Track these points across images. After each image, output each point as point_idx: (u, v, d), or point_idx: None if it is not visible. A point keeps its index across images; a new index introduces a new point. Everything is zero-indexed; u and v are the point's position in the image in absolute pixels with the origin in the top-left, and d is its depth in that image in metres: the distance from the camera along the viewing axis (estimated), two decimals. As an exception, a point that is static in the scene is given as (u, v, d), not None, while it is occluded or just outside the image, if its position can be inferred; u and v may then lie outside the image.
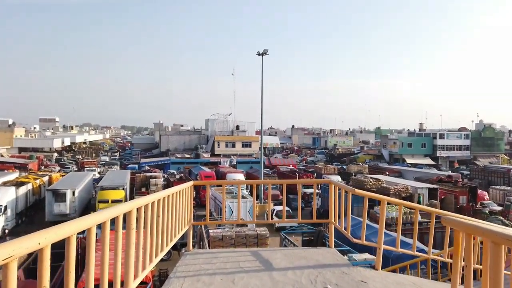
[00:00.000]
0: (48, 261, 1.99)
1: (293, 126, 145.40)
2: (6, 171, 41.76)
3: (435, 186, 32.79)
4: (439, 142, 73.65)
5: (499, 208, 30.99)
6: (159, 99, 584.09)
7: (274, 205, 26.20)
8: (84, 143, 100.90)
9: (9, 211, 26.16)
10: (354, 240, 5.51)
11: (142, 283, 4.33)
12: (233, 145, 74.77)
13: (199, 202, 29.33)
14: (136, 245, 3.47)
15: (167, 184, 35.60)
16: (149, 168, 51.41)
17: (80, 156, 77.21)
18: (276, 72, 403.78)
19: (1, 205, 25.29)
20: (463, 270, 3.44)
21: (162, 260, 4.73)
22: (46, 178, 36.12)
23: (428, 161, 70.67)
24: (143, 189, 35.91)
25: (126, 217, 3.31)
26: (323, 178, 35.92)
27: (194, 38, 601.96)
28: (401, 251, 5.80)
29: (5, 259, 1.67)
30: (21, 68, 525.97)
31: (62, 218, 24.47)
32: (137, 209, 3.54)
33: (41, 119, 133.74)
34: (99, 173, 51.53)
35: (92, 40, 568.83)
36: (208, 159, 63.01)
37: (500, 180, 46.07)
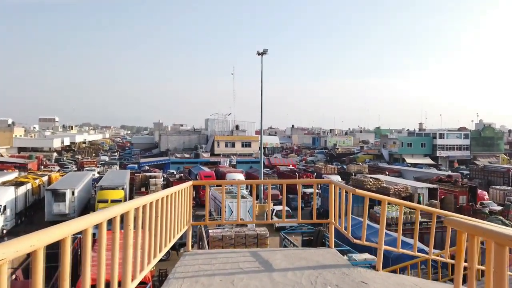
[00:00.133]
0: (42, 263, 1.94)
1: (292, 126, 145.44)
2: (5, 171, 41.71)
3: (435, 186, 32.79)
4: (438, 142, 73.65)
5: (499, 208, 30.97)
6: (159, 99, 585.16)
7: (274, 205, 26.17)
8: (84, 143, 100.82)
9: (8, 211, 26.14)
10: (355, 240, 5.47)
11: (141, 283, 4.28)
12: (233, 145, 74.77)
13: (198, 202, 29.32)
14: (133, 246, 3.43)
15: (167, 184, 35.59)
16: (148, 168, 51.39)
17: (79, 156, 77.17)
18: (276, 72, 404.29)
19: (1, 205, 25.26)
20: (464, 270, 3.40)
21: (161, 260, 4.69)
22: (45, 178, 36.08)
23: (428, 161, 70.68)
24: (143, 189, 35.89)
25: (123, 217, 3.26)
26: (323, 178, 35.94)
27: (194, 38, 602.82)
28: (402, 251, 5.76)
29: None
30: (21, 68, 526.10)
31: (62, 218, 24.43)
32: (135, 209, 3.50)
33: (40, 118, 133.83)
34: (98, 173, 51.50)
35: (92, 40, 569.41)
36: (208, 159, 62.99)
37: (500, 180, 46.09)
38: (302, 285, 4.34)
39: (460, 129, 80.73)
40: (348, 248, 14.76)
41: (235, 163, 60.34)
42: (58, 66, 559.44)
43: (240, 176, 40.97)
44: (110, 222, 2.98)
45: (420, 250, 7.50)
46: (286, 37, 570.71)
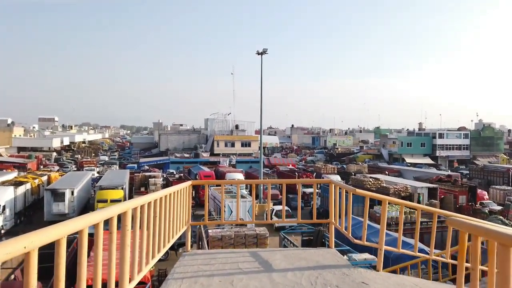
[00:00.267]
0: (35, 265, 1.88)
1: (292, 125, 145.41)
2: (5, 170, 41.71)
3: (434, 185, 32.77)
4: (438, 141, 73.64)
5: (499, 207, 30.98)
6: (159, 99, 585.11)
7: (274, 204, 26.14)
8: (83, 142, 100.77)
9: (7, 211, 26.11)
10: (355, 240, 5.43)
11: (140, 283, 4.24)
12: (233, 145, 74.73)
13: (198, 202, 29.29)
14: (131, 247, 3.39)
15: (166, 184, 35.54)
16: (148, 167, 51.35)
17: (79, 155, 77.10)
18: (276, 72, 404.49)
19: (0, 205, 25.21)
20: (466, 270, 3.36)
21: (159, 260, 4.65)
22: (45, 178, 36.06)
23: (428, 160, 70.67)
24: (142, 189, 35.89)
25: (121, 217, 3.22)
26: (323, 178, 35.91)
27: (194, 38, 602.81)
28: (403, 251, 5.72)
29: None
30: (21, 68, 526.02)
31: (61, 218, 24.36)
32: (133, 209, 3.45)
33: (40, 118, 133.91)
34: (98, 172, 51.41)
35: (92, 40, 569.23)
36: (208, 159, 62.98)
37: (500, 180, 46.11)
38: (302, 286, 4.30)
39: (459, 129, 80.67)
40: (348, 248, 14.73)
41: (234, 163, 60.33)
42: (58, 66, 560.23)
43: (240, 176, 40.97)
44: (107, 222, 2.93)
45: (420, 250, 7.46)
46: (286, 37, 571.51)
